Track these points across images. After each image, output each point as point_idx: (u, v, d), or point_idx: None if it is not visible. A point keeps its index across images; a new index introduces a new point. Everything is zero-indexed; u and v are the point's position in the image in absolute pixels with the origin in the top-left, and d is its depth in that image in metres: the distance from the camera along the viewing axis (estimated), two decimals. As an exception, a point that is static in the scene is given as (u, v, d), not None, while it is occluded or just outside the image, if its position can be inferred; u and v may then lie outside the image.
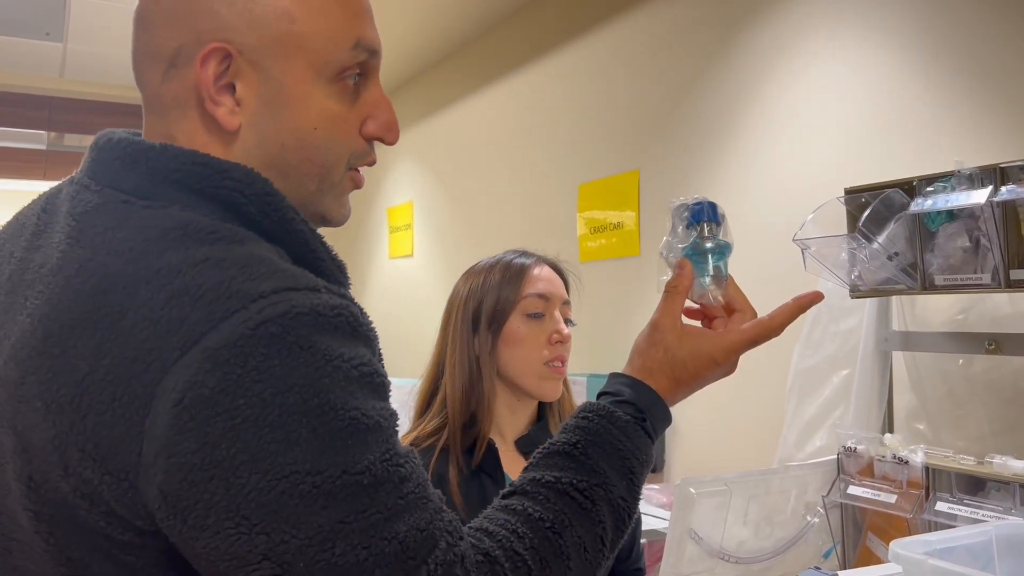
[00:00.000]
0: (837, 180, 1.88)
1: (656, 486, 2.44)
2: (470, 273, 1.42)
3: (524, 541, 0.66)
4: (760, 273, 2.26)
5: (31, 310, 0.64)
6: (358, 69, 0.74)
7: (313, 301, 0.61)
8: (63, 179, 0.75)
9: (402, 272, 4.63)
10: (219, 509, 0.56)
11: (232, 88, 0.69)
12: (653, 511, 2.32)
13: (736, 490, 1.54)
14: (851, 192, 1.75)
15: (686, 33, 2.58)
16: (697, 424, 2.51)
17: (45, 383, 0.61)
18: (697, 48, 2.53)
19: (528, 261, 1.37)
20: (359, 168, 0.77)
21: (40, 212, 0.73)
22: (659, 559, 2.18)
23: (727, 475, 1.53)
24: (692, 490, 1.50)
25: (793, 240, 1.66)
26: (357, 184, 0.77)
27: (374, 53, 0.74)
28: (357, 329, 0.64)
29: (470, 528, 0.68)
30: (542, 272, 1.38)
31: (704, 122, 2.50)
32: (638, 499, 0.75)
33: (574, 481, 0.71)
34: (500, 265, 1.36)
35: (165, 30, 0.69)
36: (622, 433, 0.75)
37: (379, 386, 0.64)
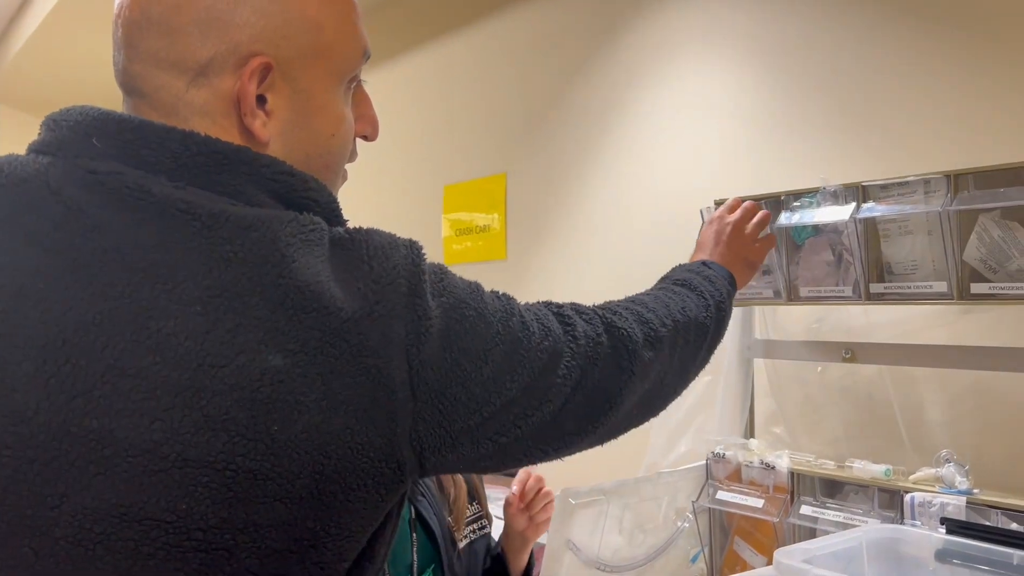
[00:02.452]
0: (706, 191, 1.93)
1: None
2: None
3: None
4: (626, 280, 2.29)
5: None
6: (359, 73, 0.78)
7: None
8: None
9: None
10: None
11: (263, 99, 0.71)
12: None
13: (613, 499, 1.55)
14: (720, 203, 1.80)
15: (556, 39, 2.59)
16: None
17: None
18: (567, 55, 2.54)
19: None
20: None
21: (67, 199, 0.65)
22: (537, 564, 2.16)
23: (604, 484, 1.53)
24: (571, 500, 1.48)
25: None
26: (345, 180, 0.82)
27: (368, 57, 0.79)
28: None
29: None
30: None
31: (573, 129, 2.51)
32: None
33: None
34: None
35: (194, 38, 0.69)
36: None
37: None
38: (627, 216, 2.33)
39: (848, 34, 1.81)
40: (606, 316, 0.87)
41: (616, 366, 0.84)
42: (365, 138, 0.82)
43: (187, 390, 0.59)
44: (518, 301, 0.81)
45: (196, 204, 0.64)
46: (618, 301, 0.97)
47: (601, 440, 0.87)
